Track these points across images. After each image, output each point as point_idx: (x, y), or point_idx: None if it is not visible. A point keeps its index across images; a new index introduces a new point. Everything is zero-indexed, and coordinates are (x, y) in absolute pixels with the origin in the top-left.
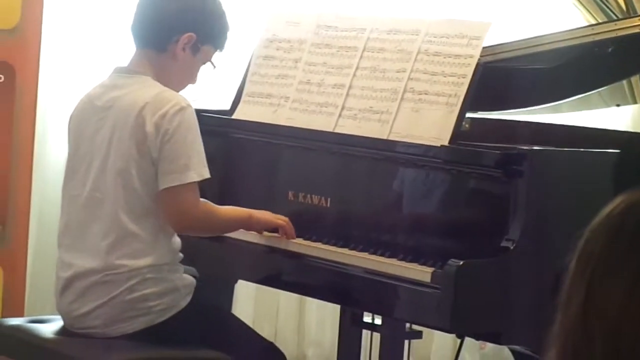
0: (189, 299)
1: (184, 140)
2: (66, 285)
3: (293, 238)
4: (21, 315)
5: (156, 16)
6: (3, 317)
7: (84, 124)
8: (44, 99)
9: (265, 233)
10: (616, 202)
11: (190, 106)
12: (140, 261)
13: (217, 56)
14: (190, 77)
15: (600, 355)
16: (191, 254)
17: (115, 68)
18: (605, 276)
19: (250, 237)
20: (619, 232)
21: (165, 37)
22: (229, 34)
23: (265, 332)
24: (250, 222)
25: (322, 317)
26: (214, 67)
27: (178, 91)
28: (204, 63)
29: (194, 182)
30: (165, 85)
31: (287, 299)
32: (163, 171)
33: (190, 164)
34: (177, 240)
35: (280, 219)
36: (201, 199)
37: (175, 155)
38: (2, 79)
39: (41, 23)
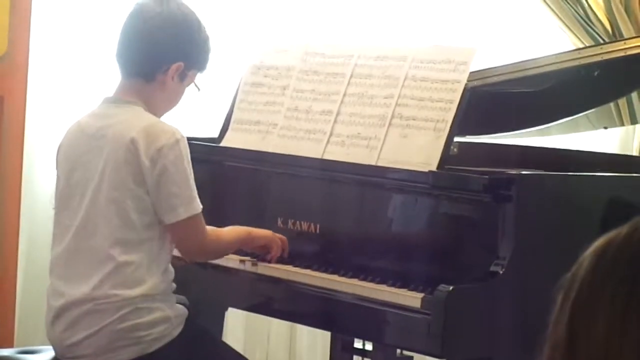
0: (180, 328)
1: (184, 172)
2: (58, 314)
3: (283, 254)
4: (11, 345)
5: (145, 46)
6: None
7: (76, 153)
8: (32, 127)
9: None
10: (611, 232)
11: (184, 138)
12: (133, 291)
13: (200, 78)
14: (176, 102)
15: None
16: (181, 282)
17: (105, 98)
18: (587, 301)
19: (240, 264)
20: (600, 258)
21: (155, 68)
22: (210, 55)
23: (256, 357)
24: (249, 238)
25: (313, 342)
26: (199, 89)
27: (163, 114)
28: (188, 85)
29: (200, 211)
30: (153, 111)
31: (278, 324)
32: (169, 205)
33: (193, 195)
34: (170, 270)
35: (276, 236)
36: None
37: (179, 188)
38: None
39: (29, 51)
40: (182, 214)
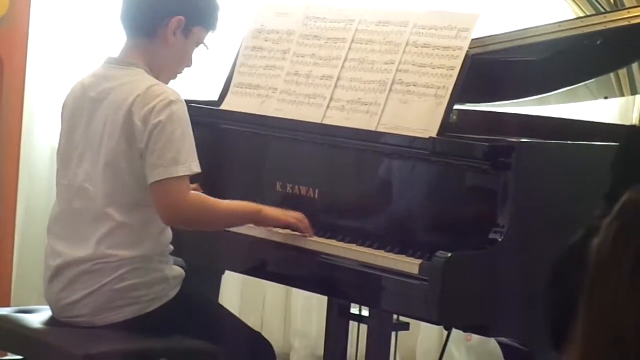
0: (177, 289)
1: (172, 133)
2: (55, 274)
3: (309, 234)
4: (7, 305)
5: (143, 2)
6: None
7: (77, 113)
8: (31, 88)
9: (278, 230)
10: None
11: (181, 100)
12: (130, 251)
13: (210, 37)
14: (185, 61)
15: None
16: (179, 245)
17: (107, 58)
18: None
19: (239, 228)
20: None
21: (154, 22)
22: (219, 14)
23: (251, 322)
24: (258, 218)
25: (309, 307)
26: (207, 48)
27: (174, 76)
28: (197, 45)
29: (183, 175)
30: (160, 71)
31: (273, 289)
32: (151, 165)
33: (179, 158)
34: (168, 232)
35: (290, 217)
36: (197, 193)
37: (163, 149)
38: None
39: (29, 13)
40: (160, 174)
